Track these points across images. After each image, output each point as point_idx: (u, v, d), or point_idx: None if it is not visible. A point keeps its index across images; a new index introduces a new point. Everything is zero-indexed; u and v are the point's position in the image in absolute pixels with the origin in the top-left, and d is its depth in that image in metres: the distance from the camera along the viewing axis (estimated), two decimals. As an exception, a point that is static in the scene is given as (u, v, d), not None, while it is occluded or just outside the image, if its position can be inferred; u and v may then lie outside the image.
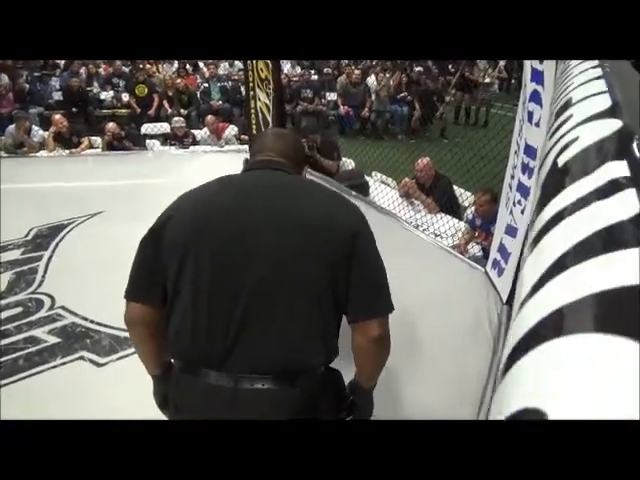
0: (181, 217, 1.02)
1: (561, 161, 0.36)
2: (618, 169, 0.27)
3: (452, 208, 3.76)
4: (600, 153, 0.32)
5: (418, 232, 3.49)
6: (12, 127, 5.19)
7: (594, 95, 0.42)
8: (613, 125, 0.34)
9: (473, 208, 3.72)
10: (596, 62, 0.58)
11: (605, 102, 0.40)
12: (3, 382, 2.07)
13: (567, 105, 0.47)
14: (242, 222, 0.98)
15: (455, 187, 3.94)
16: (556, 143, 0.41)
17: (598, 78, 0.48)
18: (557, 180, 0.35)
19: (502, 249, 2.62)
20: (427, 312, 2.51)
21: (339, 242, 0.98)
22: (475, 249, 3.33)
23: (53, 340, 2.34)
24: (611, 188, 0.26)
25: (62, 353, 2.26)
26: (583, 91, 0.47)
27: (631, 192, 0.24)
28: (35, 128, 5.34)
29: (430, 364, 2.15)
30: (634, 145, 0.30)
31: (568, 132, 0.40)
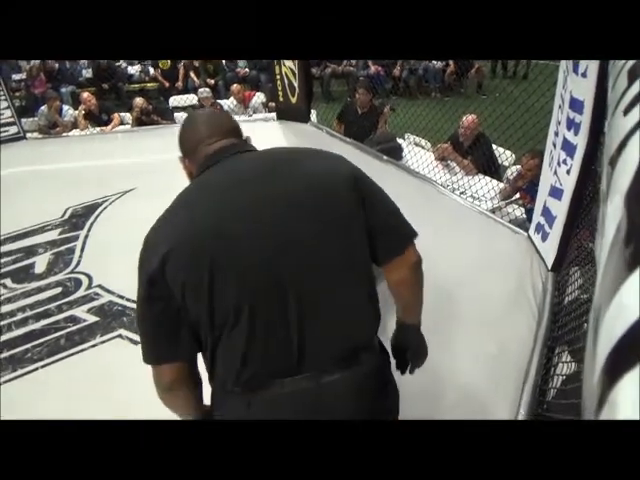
0: (177, 250, 0.86)
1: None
2: None
3: (491, 169, 3.56)
4: None
5: (455, 196, 3.33)
6: (44, 108, 5.25)
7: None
8: None
9: (514, 168, 3.52)
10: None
11: None
12: (47, 361, 2.14)
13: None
14: (254, 223, 0.87)
15: (494, 146, 3.73)
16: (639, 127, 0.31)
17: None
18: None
19: (546, 212, 2.46)
20: (467, 280, 2.40)
21: (349, 195, 0.92)
22: (517, 212, 3.15)
23: (92, 319, 2.39)
24: None
25: (101, 332, 2.30)
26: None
27: None
28: (65, 107, 5.38)
29: (471, 335, 2.07)
30: None
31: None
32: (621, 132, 0.34)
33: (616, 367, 0.23)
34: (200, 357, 0.97)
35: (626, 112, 0.36)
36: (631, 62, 0.43)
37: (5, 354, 2.20)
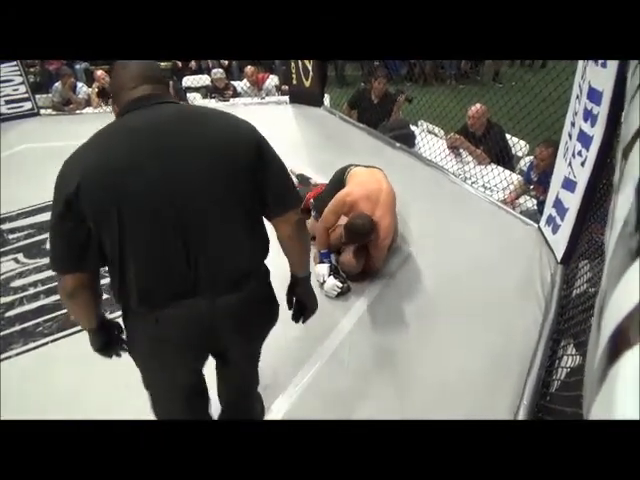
0: (92, 181, 0.97)
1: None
2: None
3: (504, 159, 3.52)
4: None
5: (467, 185, 3.31)
6: (58, 84, 5.25)
7: None
8: None
9: (528, 159, 3.48)
10: None
11: None
12: (57, 335, 2.18)
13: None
14: (158, 168, 0.99)
15: (508, 136, 3.67)
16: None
17: None
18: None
19: (558, 204, 2.43)
20: (476, 270, 2.40)
21: (248, 156, 1.06)
22: (529, 203, 3.12)
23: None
24: None
25: (111, 309, 2.33)
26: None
27: None
28: (79, 84, 5.38)
29: (478, 325, 2.07)
30: None
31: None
32: (637, 120, 0.33)
33: (618, 344, 0.23)
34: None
35: (645, 101, 0.35)
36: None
37: (17, 327, 2.24)
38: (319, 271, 2.35)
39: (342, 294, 2.31)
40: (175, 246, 1.03)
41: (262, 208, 1.15)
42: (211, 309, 1.09)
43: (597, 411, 0.27)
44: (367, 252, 2.38)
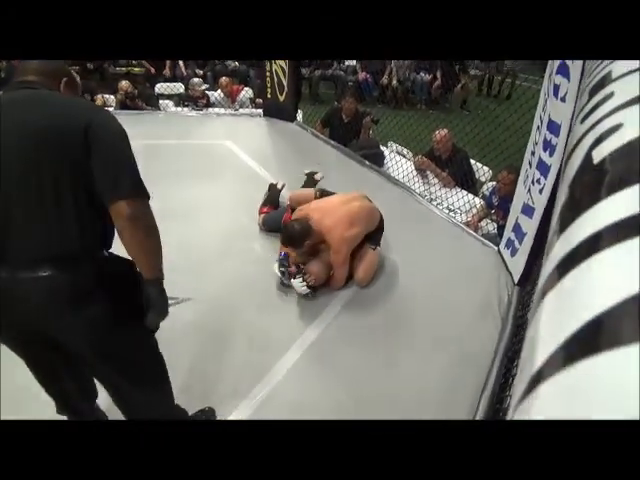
0: None
1: (597, 156, 0.30)
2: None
3: (468, 183, 3.65)
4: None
5: (432, 206, 3.40)
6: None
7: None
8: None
9: (491, 184, 3.61)
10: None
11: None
12: None
13: (605, 81, 0.40)
14: None
15: (473, 162, 3.82)
16: (590, 129, 0.35)
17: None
18: (591, 184, 0.29)
19: (517, 229, 2.54)
20: (436, 289, 2.47)
21: (72, 142, 1.08)
22: (490, 226, 3.24)
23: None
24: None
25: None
26: (626, 63, 0.39)
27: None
28: (48, 83, 5.26)
29: (436, 343, 2.12)
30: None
31: (607, 116, 0.34)
32: (576, 137, 0.37)
33: (540, 293, 0.26)
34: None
35: (582, 120, 0.39)
36: (594, 82, 0.47)
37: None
38: (276, 272, 2.43)
39: (311, 287, 2.37)
40: None
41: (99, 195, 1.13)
42: (11, 281, 1.12)
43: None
44: (331, 267, 2.42)
